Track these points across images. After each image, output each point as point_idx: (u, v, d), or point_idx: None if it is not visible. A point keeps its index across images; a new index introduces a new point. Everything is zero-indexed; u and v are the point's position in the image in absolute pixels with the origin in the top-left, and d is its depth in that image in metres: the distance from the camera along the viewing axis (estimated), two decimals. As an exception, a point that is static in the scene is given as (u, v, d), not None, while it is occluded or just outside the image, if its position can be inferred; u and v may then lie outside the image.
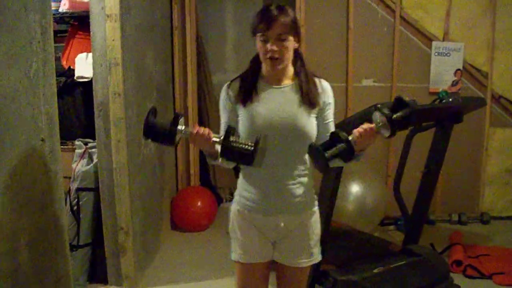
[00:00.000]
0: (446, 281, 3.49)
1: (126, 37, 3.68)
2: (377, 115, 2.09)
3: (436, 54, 5.20)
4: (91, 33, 3.60)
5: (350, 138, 2.05)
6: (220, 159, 2.14)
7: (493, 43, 5.22)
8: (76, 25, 4.28)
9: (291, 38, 2.18)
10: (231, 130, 2.01)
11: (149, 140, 2.11)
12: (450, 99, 3.34)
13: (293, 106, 2.23)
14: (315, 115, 2.27)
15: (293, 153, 2.25)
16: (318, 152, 2.05)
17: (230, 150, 1.98)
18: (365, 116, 2.92)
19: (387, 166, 5.38)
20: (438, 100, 3.40)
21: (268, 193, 2.26)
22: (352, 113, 5.03)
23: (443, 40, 5.21)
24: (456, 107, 3.41)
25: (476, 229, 5.25)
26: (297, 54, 2.31)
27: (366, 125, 2.09)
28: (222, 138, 2.00)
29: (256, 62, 2.30)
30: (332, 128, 2.32)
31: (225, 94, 2.31)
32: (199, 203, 5.11)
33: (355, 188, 4.72)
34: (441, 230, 5.20)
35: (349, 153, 2.04)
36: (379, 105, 2.12)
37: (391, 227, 5.21)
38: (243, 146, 1.97)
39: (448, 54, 5.20)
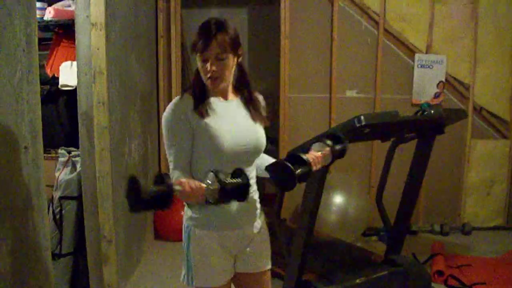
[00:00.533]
0: (427, 291, 3.51)
1: (111, 45, 3.68)
2: (318, 145, 2.20)
3: (419, 66, 5.26)
4: (76, 41, 3.59)
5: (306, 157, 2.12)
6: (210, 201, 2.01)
7: (475, 56, 5.28)
8: (61, 33, 4.27)
9: (230, 56, 2.14)
10: (218, 173, 1.94)
11: (141, 211, 2.05)
12: (432, 111, 3.37)
13: (252, 122, 2.27)
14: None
15: (251, 164, 2.29)
16: (289, 171, 2.04)
17: (228, 193, 1.94)
18: (348, 127, 2.95)
19: (370, 177, 5.42)
20: (420, 112, 3.43)
21: (235, 207, 2.24)
22: (335, 124, 5.06)
23: (426, 52, 5.27)
24: (437, 119, 3.44)
25: (457, 239, 5.29)
26: (240, 68, 2.29)
27: (317, 154, 2.16)
28: (217, 183, 1.92)
29: (195, 78, 2.24)
30: None
31: (176, 110, 2.17)
32: (182, 213, 5.08)
33: (338, 199, 4.74)
34: (423, 240, 5.23)
35: (308, 177, 2.09)
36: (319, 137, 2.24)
37: (374, 237, 5.23)
38: (237, 183, 1.95)
39: (430, 66, 5.25)
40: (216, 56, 2.11)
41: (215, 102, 2.23)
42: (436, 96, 5.29)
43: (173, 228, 5.08)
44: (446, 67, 5.29)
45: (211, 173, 1.93)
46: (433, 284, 3.63)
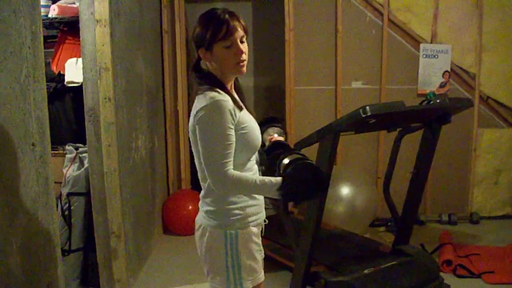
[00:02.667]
0: (436, 280, 3.51)
1: (116, 42, 3.69)
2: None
3: (424, 56, 5.25)
4: (81, 38, 3.61)
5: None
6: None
7: (480, 45, 5.27)
8: (66, 30, 4.28)
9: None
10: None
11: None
12: (438, 100, 3.37)
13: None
14: None
15: None
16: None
17: None
18: (354, 118, 2.96)
19: (377, 168, 5.42)
20: (425, 102, 3.43)
21: (263, 198, 2.28)
22: (341, 115, 5.06)
23: (431, 42, 5.26)
24: (443, 108, 3.44)
25: (465, 229, 5.29)
26: None
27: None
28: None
29: (211, 74, 2.18)
30: None
31: (228, 113, 2.04)
32: (190, 207, 5.12)
33: (345, 190, 4.75)
34: (431, 230, 5.24)
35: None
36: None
37: (382, 228, 5.24)
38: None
39: (436, 56, 5.24)
40: (241, 39, 2.10)
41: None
42: (442, 85, 5.28)
43: (181, 222, 5.10)
44: (452, 57, 5.27)
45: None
46: (441, 274, 3.64)
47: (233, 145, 2.05)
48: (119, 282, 3.87)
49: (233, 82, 2.23)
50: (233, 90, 2.23)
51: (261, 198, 2.26)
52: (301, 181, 1.96)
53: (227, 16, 2.07)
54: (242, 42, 2.10)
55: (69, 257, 3.82)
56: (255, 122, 2.21)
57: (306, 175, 1.96)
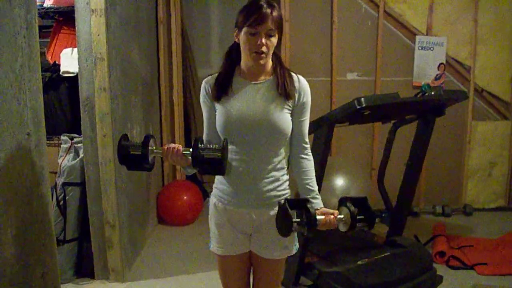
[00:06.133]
0: (429, 271, 3.53)
1: (111, 32, 3.68)
2: (344, 210, 2.18)
3: (420, 48, 5.25)
4: (76, 28, 3.60)
5: (318, 217, 2.09)
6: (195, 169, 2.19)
7: (475, 37, 5.28)
8: (61, 20, 4.27)
9: (277, 35, 2.19)
10: (199, 141, 2.03)
11: (125, 167, 2.12)
12: (433, 93, 3.38)
13: (267, 101, 2.24)
14: (289, 111, 2.27)
15: (267, 148, 2.25)
16: (287, 219, 2.03)
17: (199, 161, 2.02)
18: (348, 110, 2.97)
19: (371, 159, 5.43)
20: (420, 94, 3.44)
21: (240, 187, 2.28)
22: (336, 106, 5.07)
23: (427, 34, 5.26)
24: (437, 100, 3.45)
25: (459, 220, 5.32)
26: (274, 51, 2.30)
27: (330, 217, 2.16)
28: (191, 149, 2.03)
29: (231, 57, 2.32)
30: (306, 127, 2.36)
31: (203, 90, 2.32)
32: (185, 197, 5.13)
33: (339, 181, 4.76)
34: (425, 222, 5.27)
35: (309, 229, 2.05)
36: (348, 202, 2.18)
37: (376, 219, 5.25)
38: (212, 154, 2.02)
39: (431, 48, 5.25)
40: (268, 32, 2.15)
41: (240, 83, 2.28)
42: (437, 78, 5.30)
43: (176, 212, 5.11)
44: (447, 49, 5.28)
45: (194, 141, 2.04)
46: (434, 265, 3.66)
47: (208, 119, 2.32)
48: (114, 272, 3.88)
49: (262, 70, 2.28)
50: (262, 76, 2.29)
51: (235, 183, 2.30)
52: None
53: (263, 5, 2.15)
54: (269, 35, 2.16)
55: (64, 247, 3.83)
56: (249, 110, 2.22)
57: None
